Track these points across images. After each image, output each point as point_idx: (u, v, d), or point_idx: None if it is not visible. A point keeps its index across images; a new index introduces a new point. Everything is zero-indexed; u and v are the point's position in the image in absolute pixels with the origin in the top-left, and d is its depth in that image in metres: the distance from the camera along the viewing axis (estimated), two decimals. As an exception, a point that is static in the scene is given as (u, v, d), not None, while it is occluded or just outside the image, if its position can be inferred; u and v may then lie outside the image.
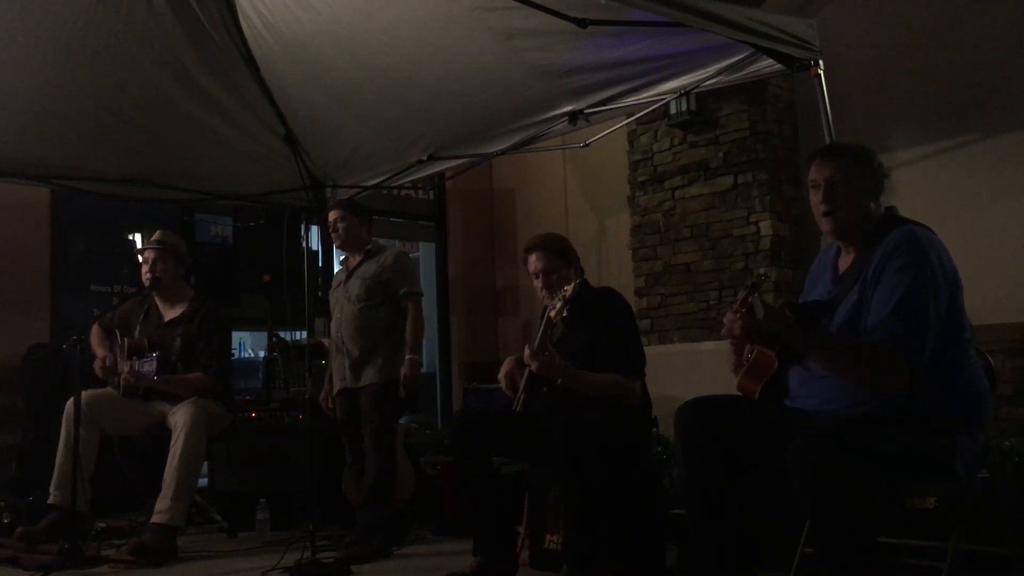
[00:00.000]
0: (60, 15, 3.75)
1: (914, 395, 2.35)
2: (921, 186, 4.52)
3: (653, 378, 3.43)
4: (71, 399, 4.04)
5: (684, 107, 5.41)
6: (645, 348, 3.51)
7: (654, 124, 5.80)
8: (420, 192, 7.23)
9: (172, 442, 4.12)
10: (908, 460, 2.37)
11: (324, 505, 4.40)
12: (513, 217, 7.30)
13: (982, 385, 2.47)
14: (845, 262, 2.60)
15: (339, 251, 4.82)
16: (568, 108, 4.29)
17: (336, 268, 5.49)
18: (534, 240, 3.53)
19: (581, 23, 3.19)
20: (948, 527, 2.52)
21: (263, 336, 6.08)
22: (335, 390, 4.34)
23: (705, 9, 3.05)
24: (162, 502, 3.99)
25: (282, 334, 5.50)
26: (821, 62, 3.41)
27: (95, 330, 4.51)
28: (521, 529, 3.62)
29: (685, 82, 3.94)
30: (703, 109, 5.50)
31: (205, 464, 4.56)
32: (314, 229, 5.71)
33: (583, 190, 6.70)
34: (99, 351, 4.43)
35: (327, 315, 4.67)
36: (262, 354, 6.27)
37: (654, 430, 3.87)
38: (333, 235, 4.38)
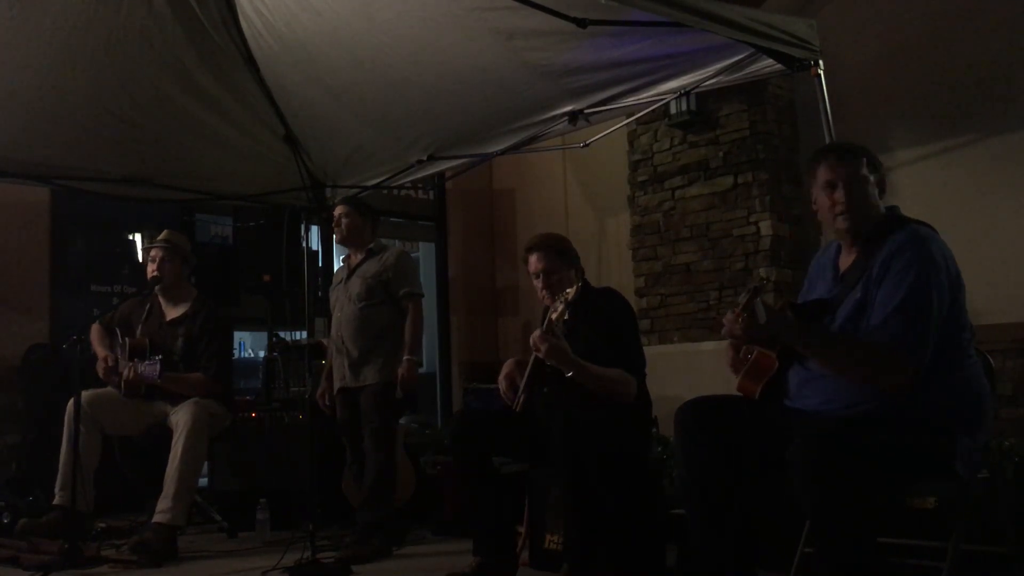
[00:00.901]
0: (60, 15, 3.75)
1: (914, 395, 2.35)
2: (921, 186, 4.53)
3: (653, 378, 3.43)
4: (71, 399, 4.04)
5: (684, 107, 5.42)
6: (645, 348, 3.50)
7: (654, 124, 5.80)
8: (420, 192, 7.24)
9: (173, 442, 4.12)
10: (908, 460, 2.37)
11: (324, 505, 4.40)
12: (513, 217, 7.30)
13: (982, 385, 2.47)
14: (846, 261, 2.60)
15: (340, 248, 4.82)
16: (568, 108, 4.29)
17: (336, 267, 5.49)
18: (535, 240, 3.53)
19: (581, 23, 3.19)
20: (948, 527, 2.52)
21: (263, 336, 6.08)
22: (335, 389, 4.34)
23: (705, 9, 3.05)
24: (163, 502, 3.99)
25: (282, 334, 5.50)
26: (821, 62, 3.41)
27: (95, 329, 4.51)
28: (521, 529, 3.62)
29: (685, 82, 3.94)
30: (703, 109, 5.50)
31: (205, 464, 4.56)
32: (314, 229, 5.71)
33: (583, 190, 6.70)
34: (100, 351, 4.43)
35: (327, 315, 4.67)
36: (262, 354, 6.27)
37: (654, 430, 3.87)
38: (335, 229, 4.37)
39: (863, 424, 2.36)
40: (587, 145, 4.73)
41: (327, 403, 4.43)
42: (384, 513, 4.09)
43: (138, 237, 5.81)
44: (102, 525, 4.42)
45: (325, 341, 4.80)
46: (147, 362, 4.25)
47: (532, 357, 3.26)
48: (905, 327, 2.32)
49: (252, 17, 4.02)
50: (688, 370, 5.19)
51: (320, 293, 5.92)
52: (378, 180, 5.34)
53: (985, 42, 4.69)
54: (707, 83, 3.89)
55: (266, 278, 5.56)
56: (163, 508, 3.97)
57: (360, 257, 4.36)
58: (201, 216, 6.24)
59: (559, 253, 3.46)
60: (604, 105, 4.23)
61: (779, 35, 3.29)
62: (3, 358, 5.27)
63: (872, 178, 2.55)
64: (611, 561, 3.09)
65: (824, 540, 2.28)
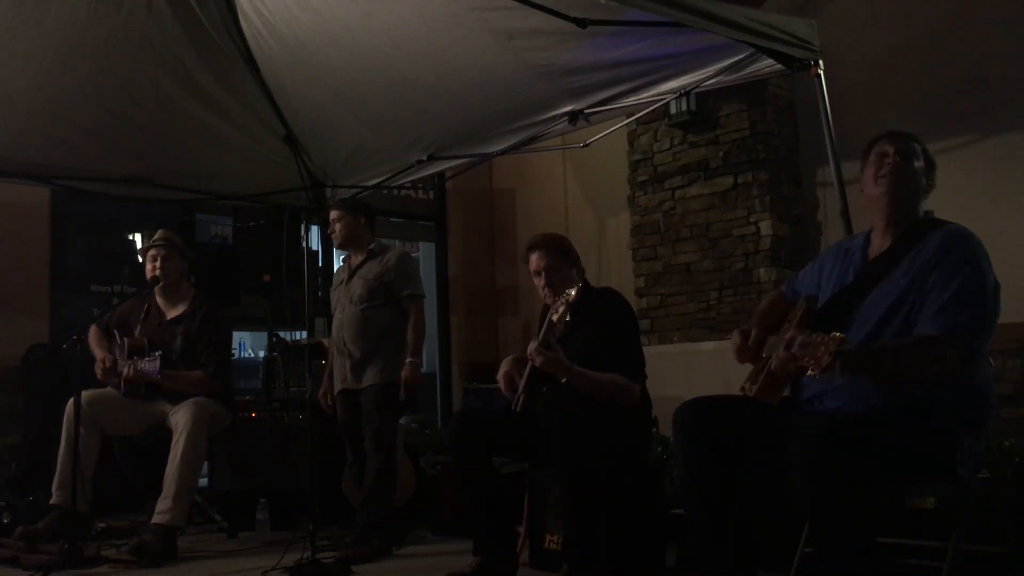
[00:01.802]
0: (60, 15, 3.75)
1: (927, 393, 2.35)
2: (921, 186, 4.52)
3: (653, 378, 3.43)
4: (71, 399, 4.04)
5: (684, 107, 5.42)
6: (645, 348, 3.50)
7: (654, 124, 5.80)
8: (420, 192, 7.24)
9: (173, 442, 4.11)
10: (908, 460, 2.37)
11: (324, 505, 4.40)
12: (513, 217, 7.30)
13: (991, 387, 2.48)
14: (877, 249, 2.59)
15: (340, 250, 4.82)
16: (568, 108, 4.29)
17: (336, 267, 5.49)
18: (536, 239, 3.53)
19: (581, 23, 3.19)
20: (948, 527, 2.52)
21: (263, 336, 6.08)
22: (336, 390, 4.34)
23: (705, 9, 3.05)
24: (163, 502, 3.99)
25: (282, 334, 5.50)
26: (821, 62, 3.42)
27: (93, 331, 4.51)
28: (521, 529, 3.62)
29: (685, 82, 3.94)
30: (703, 109, 5.51)
31: (205, 464, 4.56)
32: (314, 229, 5.71)
33: (583, 190, 6.70)
34: (98, 352, 4.42)
35: (327, 315, 4.67)
36: (262, 354, 6.27)
37: (654, 430, 3.87)
38: (332, 235, 4.38)
39: (864, 423, 2.35)
40: (587, 145, 4.73)
41: (328, 403, 4.43)
42: (384, 513, 4.09)
43: (138, 237, 5.81)
44: (102, 525, 4.42)
45: (325, 341, 4.80)
46: (147, 359, 4.25)
47: (529, 364, 3.27)
48: (960, 316, 2.32)
49: (252, 17, 4.02)
50: (688, 370, 5.20)
51: (320, 293, 5.91)
52: (378, 180, 5.34)
53: (985, 42, 4.69)
54: (707, 83, 3.89)
55: (266, 278, 5.56)
56: (163, 509, 3.97)
57: (360, 258, 4.35)
58: (201, 216, 6.23)
59: (560, 252, 3.47)
60: (604, 105, 4.23)
61: (779, 35, 3.29)
62: (3, 358, 5.26)
63: (921, 167, 2.56)
64: (611, 561, 3.09)
65: (823, 540, 2.28)
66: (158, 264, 4.46)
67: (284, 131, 4.81)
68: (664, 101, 4.24)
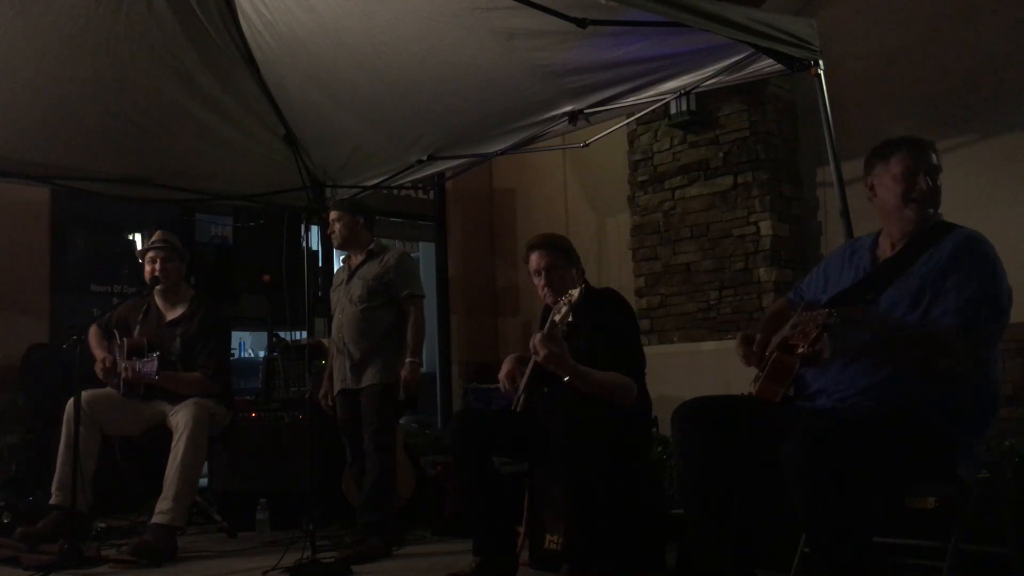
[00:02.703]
0: (60, 15, 3.74)
1: (929, 393, 2.35)
2: (921, 186, 4.52)
3: (653, 378, 3.43)
4: (71, 399, 4.04)
5: (684, 107, 5.42)
6: (645, 348, 3.50)
7: (654, 124, 5.80)
8: (420, 192, 7.24)
9: (173, 443, 4.12)
10: (908, 460, 2.37)
11: (324, 505, 4.40)
12: (513, 217, 7.30)
13: (998, 389, 2.48)
14: (887, 251, 2.60)
15: (340, 251, 4.83)
16: (568, 108, 4.29)
17: (336, 267, 5.49)
18: (537, 238, 3.52)
19: (581, 23, 3.18)
20: (948, 527, 2.52)
21: (263, 336, 6.08)
22: (336, 390, 4.34)
23: (705, 9, 3.05)
24: (163, 502, 3.99)
25: (282, 334, 5.50)
26: (821, 62, 3.41)
27: (93, 331, 4.51)
28: (521, 529, 3.62)
29: (685, 82, 3.94)
30: (703, 109, 5.51)
31: (205, 464, 4.56)
32: (314, 229, 5.70)
33: (583, 190, 6.70)
34: (98, 352, 4.43)
35: (327, 315, 4.67)
36: (262, 354, 6.27)
37: (654, 430, 3.87)
38: (332, 235, 4.39)
39: (860, 423, 2.35)
40: (587, 145, 4.73)
41: (329, 404, 4.43)
42: (384, 513, 4.10)
43: (138, 237, 5.81)
44: (102, 525, 4.42)
45: (325, 341, 4.81)
46: (144, 359, 4.25)
47: (532, 359, 3.26)
48: (981, 313, 2.33)
49: (252, 17, 4.02)
50: (688, 370, 5.20)
51: (320, 293, 5.92)
52: (378, 180, 5.34)
53: (985, 42, 4.69)
54: (707, 83, 3.89)
55: (266, 278, 5.57)
56: (163, 509, 3.97)
57: (360, 259, 4.36)
58: (201, 216, 6.23)
59: (561, 251, 3.46)
60: (604, 105, 4.23)
61: (779, 35, 3.29)
62: (3, 358, 5.26)
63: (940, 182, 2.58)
64: (611, 561, 3.09)
65: (817, 540, 2.28)
66: (158, 266, 4.46)
67: (284, 131, 4.81)
68: (664, 101, 4.24)
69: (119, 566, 3.78)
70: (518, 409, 3.37)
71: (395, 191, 6.50)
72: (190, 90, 4.41)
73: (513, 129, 4.61)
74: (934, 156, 2.58)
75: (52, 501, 4.07)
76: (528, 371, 3.36)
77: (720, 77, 3.80)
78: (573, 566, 3.09)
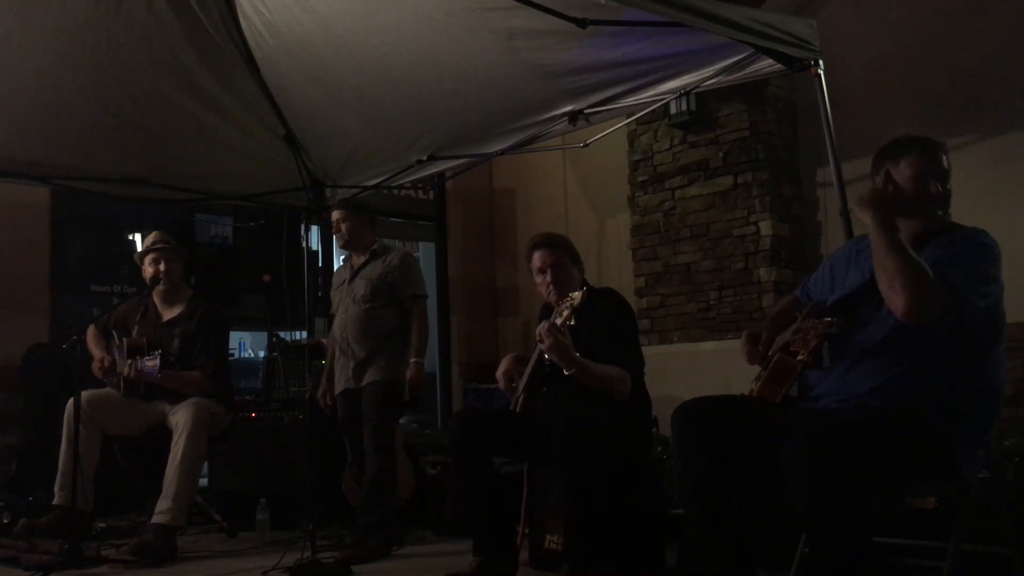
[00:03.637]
0: (60, 15, 3.74)
1: (929, 394, 2.35)
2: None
3: (653, 378, 3.43)
4: (71, 399, 4.04)
5: (684, 107, 5.42)
6: (645, 348, 3.50)
7: (654, 124, 5.80)
8: (420, 192, 7.24)
9: (173, 442, 4.12)
10: (908, 461, 2.37)
11: (324, 505, 4.40)
12: (513, 217, 7.30)
13: (1000, 391, 2.47)
14: None
15: (342, 250, 4.82)
16: (568, 108, 4.29)
17: (336, 267, 5.49)
18: (540, 237, 3.51)
19: (581, 23, 3.18)
20: (948, 527, 2.51)
21: (263, 336, 6.08)
22: (337, 390, 4.34)
23: (705, 9, 3.05)
24: (163, 502, 3.99)
25: (282, 334, 5.50)
26: (821, 62, 3.41)
27: (91, 331, 4.51)
28: (518, 528, 3.62)
29: (685, 82, 3.93)
30: (703, 109, 5.51)
31: (205, 464, 4.56)
32: (314, 229, 5.71)
33: (583, 190, 6.70)
34: (96, 352, 4.43)
35: (327, 315, 4.66)
36: (262, 354, 6.27)
37: (654, 430, 3.87)
38: (336, 235, 4.38)
39: (860, 424, 2.35)
40: (587, 145, 4.73)
41: (327, 403, 4.43)
42: (384, 513, 4.09)
43: (138, 237, 5.81)
44: (102, 525, 4.42)
45: (325, 341, 4.80)
46: (146, 357, 4.25)
47: (535, 353, 3.26)
48: (966, 281, 2.31)
49: (252, 17, 4.01)
50: (688, 370, 5.20)
51: (320, 293, 5.91)
52: (378, 180, 5.34)
53: (985, 43, 4.69)
54: (707, 83, 3.89)
55: (266, 278, 5.57)
56: (163, 509, 3.97)
57: (363, 259, 4.36)
58: (201, 216, 6.23)
59: (565, 250, 3.47)
60: (604, 105, 4.23)
61: (779, 35, 3.29)
62: (3, 358, 5.27)
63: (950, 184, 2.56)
64: (611, 561, 3.09)
65: (817, 539, 2.28)
66: (162, 267, 4.46)
67: (284, 131, 4.80)
68: (664, 101, 4.24)
69: (119, 566, 3.78)
70: (517, 409, 3.37)
71: (395, 191, 6.51)
72: (190, 90, 4.41)
73: (513, 129, 4.61)
74: (944, 159, 2.54)
75: (56, 502, 4.08)
76: (529, 369, 3.36)
77: (720, 77, 3.80)
78: (573, 566, 3.08)
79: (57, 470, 4.13)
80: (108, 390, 4.36)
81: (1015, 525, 2.63)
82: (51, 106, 4.30)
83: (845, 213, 3.44)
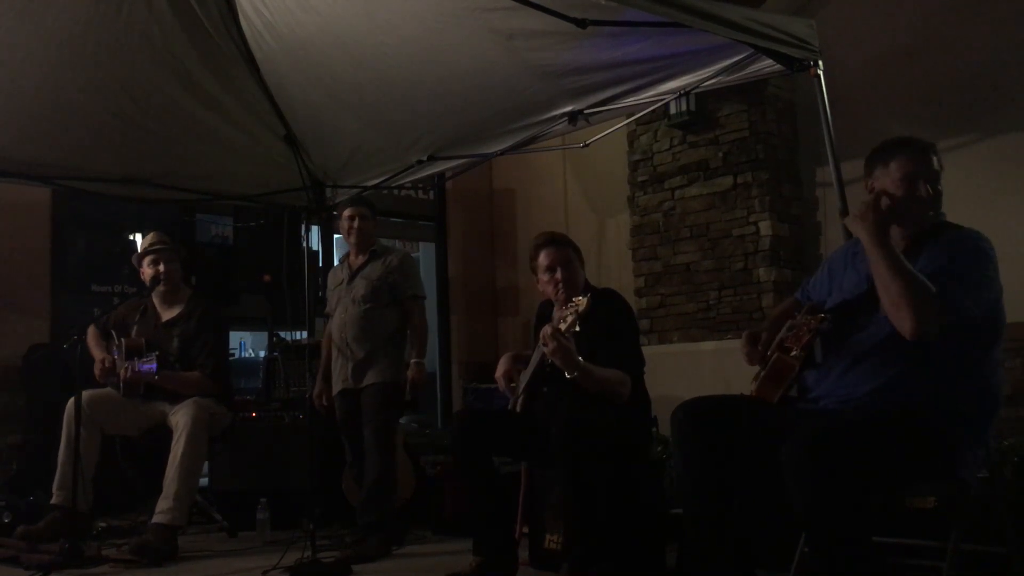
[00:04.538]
0: (60, 15, 3.74)
1: (929, 394, 2.35)
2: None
3: (653, 378, 3.43)
4: (71, 399, 4.04)
5: (684, 107, 5.42)
6: (645, 348, 3.49)
7: (654, 124, 5.81)
8: (420, 192, 7.24)
9: (173, 442, 4.12)
10: (907, 462, 2.37)
11: (324, 505, 4.40)
12: (513, 217, 7.30)
13: (999, 391, 2.47)
14: None
15: (340, 247, 4.82)
16: (568, 108, 4.29)
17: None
18: (546, 236, 3.49)
19: (581, 23, 3.18)
20: (948, 527, 2.52)
21: (263, 336, 6.08)
22: (335, 390, 4.34)
23: (705, 9, 3.05)
24: (163, 502, 4.00)
25: (282, 334, 5.50)
26: (821, 62, 3.41)
27: (91, 332, 4.52)
28: (516, 526, 3.62)
29: (685, 82, 3.94)
30: (703, 109, 5.51)
31: (205, 464, 4.56)
32: (314, 229, 5.71)
33: (583, 190, 6.70)
34: (96, 353, 4.43)
35: (323, 315, 4.66)
36: (262, 354, 6.27)
37: (654, 430, 3.87)
38: (348, 233, 4.36)
39: (859, 424, 2.35)
40: (587, 145, 4.73)
41: (323, 404, 4.43)
42: (384, 513, 4.10)
43: (138, 237, 5.81)
44: (102, 525, 4.42)
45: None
46: (144, 358, 4.26)
47: (537, 354, 3.25)
48: (956, 288, 2.30)
49: (252, 17, 4.02)
50: (688, 370, 5.20)
51: (320, 293, 5.91)
52: (378, 180, 5.34)
53: (985, 43, 4.69)
54: (707, 83, 3.89)
55: (266, 278, 5.56)
56: (163, 508, 3.98)
57: (362, 259, 4.36)
58: (201, 216, 6.24)
59: (572, 248, 3.47)
60: (604, 105, 4.23)
61: (778, 35, 3.29)
62: (3, 358, 5.27)
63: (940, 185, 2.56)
64: (611, 561, 3.09)
65: (817, 539, 2.28)
66: (162, 268, 4.47)
67: (284, 131, 4.80)
68: (664, 101, 4.24)
69: (119, 566, 3.78)
70: (517, 409, 3.37)
71: (395, 191, 6.51)
72: (190, 90, 4.41)
73: (513, 129, 4.61)
74: (935, 160, 2.54)
75: (54, 501, 4.08)
76: (531, 368, 3.35)
77: (720, 77, 3.80)
78: (573, 566, 3.08)
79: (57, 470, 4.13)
80: (108, 390, 4.36)
81: (1014, 525, 2.64)
82: (52, 106, 4.31)
83: (845, 213, 3.44)
